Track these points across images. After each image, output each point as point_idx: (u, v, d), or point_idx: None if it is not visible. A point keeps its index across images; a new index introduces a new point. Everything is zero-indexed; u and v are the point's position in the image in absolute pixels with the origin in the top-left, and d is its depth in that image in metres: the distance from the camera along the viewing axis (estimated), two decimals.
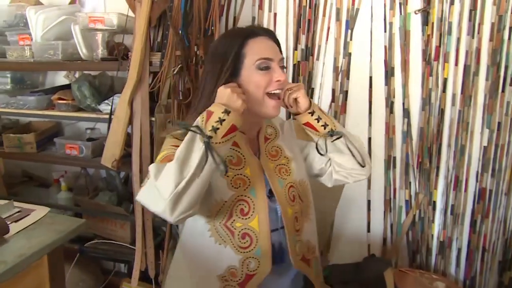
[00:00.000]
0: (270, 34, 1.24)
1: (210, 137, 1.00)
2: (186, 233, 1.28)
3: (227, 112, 1.03)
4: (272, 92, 1.19)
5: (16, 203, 1.40)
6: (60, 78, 2.52)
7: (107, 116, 2.05)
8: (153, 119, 1.98)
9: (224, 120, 1.02)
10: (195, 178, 0.99)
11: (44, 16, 2.14)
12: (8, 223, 1.23)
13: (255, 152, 1.27)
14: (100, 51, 2.12)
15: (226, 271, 1.19)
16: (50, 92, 2.28)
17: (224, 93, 1.08)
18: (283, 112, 2.21)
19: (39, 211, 1.36)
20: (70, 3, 2.38)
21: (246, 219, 1.17)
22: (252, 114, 1.20)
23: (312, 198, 1.41)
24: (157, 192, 0.99)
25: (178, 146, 1.03)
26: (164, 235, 2.10)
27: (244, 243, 1.18)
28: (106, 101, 2.11)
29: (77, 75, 2.39)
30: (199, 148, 0.99)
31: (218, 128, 1.02)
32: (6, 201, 1.39)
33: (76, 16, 2.12)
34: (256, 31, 1.21)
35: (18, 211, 1.35)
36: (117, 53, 2.04)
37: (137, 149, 2.00)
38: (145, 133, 2.00)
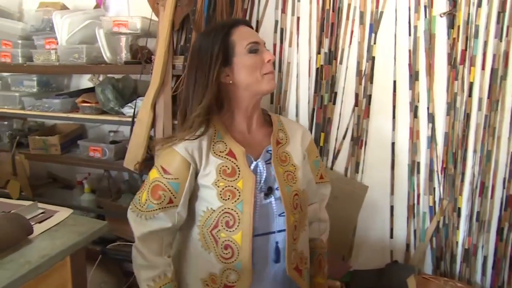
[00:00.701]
0: (247, 23, 1.32)
1: None
2: (181, 233, 1.33)
3: None
4: (266, 73, 1.26)
5: (40, 204, 1.43)
6: (85, 81, 2.55)
7: (130, 119, 2.07)
8: (175, 122, 1.99)
9: None
10: None
11: (69, 20, 2.17)
12: (32, 224, 1.25)
13: (258, 156, 1.28)
14: (124, 55, 2.15)
15: (207, 276, 1.24)
16: (74, 95, 2.32)
17: None
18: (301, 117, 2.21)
19: (62, 213, 1.38)
20: (95, 8, 2.41)
21: (230, 231, 1.20)
22: (250, 97, 1.27)
23: (334, 203, 1.44)
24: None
25: (166, 171, 1.22)
26: None
27: (226, 253, 1.21)
28: (129, 104, 2.13)
29: (101, 78, 2.42)
30: None
31: None
32: (31, 203, 1.41)
33: (100, 20, 2.15)
34: (236, 21, 1.29)
35: (42, 212, 1.37)
36: (141, 56, 2.06)
37: None
38: None
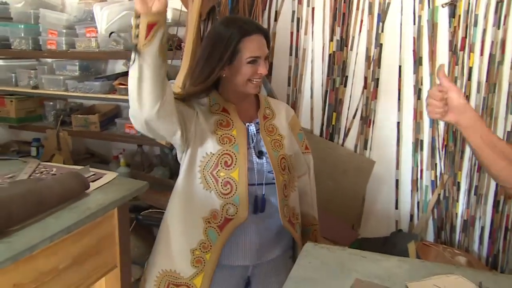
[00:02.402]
0: (263, 32, 1.48)
1: (136, 44, 1.20)
2: (181, 179, 1.52)
3: (137, 16, 1.19)
4: (254, 81, 1.46)
5: (90, 168, 1.69)
6: (120, 65, 2.81)
7: None
8: None
9: (138, 24, 1.19)
10: (142, 76, 1.23)
11: (108, 11, 2.42)
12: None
13: (244, 120, 1.51)
14: None
15: (209, 214, 1.44)
16: (112, 78, 2.58)
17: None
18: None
19: (110, 175, 1.64)
20: None
21: (228, 170, 1.43)
22: (238, 91, 1.49)
23: (344, 177, 1.69)
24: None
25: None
26: None
27: (226, 189, 1.43)
28: None
29: None
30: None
31: (137, 34, 1.20)
32: (83, 166, 1.69)
33: None
34: (252, 29, 1.45)
35: (93, 174, 1.64)
36: (171, 43, 2.30)
37: None
38: None
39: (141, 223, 2.50)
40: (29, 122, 2.84)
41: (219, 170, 1.44)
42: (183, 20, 2.33)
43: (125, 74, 2.57)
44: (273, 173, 1.48)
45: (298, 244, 1.59)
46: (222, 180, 1.43)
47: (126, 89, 2.42)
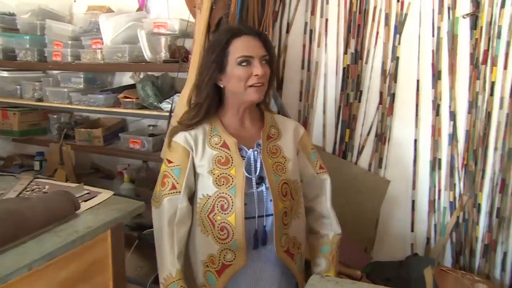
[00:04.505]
0: (256, 33, 1.39)
1: None
2: None
3: None
4: (254, 85, 1.35)
5: (85, 187, 1.60)
6: (127, 78, 2.74)
7: (168, 114, 2.23)
8: None
9: None
10: None
11: (114, 22, 2.36)
12: (79, 202, 1.42)
13: (252, 147, 1.41)
14: (163, 54, 2.32)
15: (207, 258, 1.37)
16: (117, 91, 2.51)
17: None
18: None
19: (104, 194, 1.55)
20: (137, 10, 2.59)
21: (225, 214, 1.34)
22: (240, 102, 1.40)
23: (358, 197, 1.56)
24: None
25: (170, 161, 1.39)
26: None
27: (222, 235, 1.34)
28: (167, 100, 2.29)
29: (141, 76, 2.60)
30: None
31: None
32: (78, 184, 1.59)
33: (142, 22, 2.33)
34: (241, 30, 1.37)
35: (87, 193, 1.55)
36: (178, 55, 2.22)
37: None
38: None
39: (144, 242, 2.40)
40: (32, 135, 2.79)
41: (215, 213, 1.35)
42: (190, 32, 2.25)
43: (131, 86, 2.52)
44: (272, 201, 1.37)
45: (296, 277, 1.47)
46: (219, 224, 1.35)
47: (131, 103, 2.39)
